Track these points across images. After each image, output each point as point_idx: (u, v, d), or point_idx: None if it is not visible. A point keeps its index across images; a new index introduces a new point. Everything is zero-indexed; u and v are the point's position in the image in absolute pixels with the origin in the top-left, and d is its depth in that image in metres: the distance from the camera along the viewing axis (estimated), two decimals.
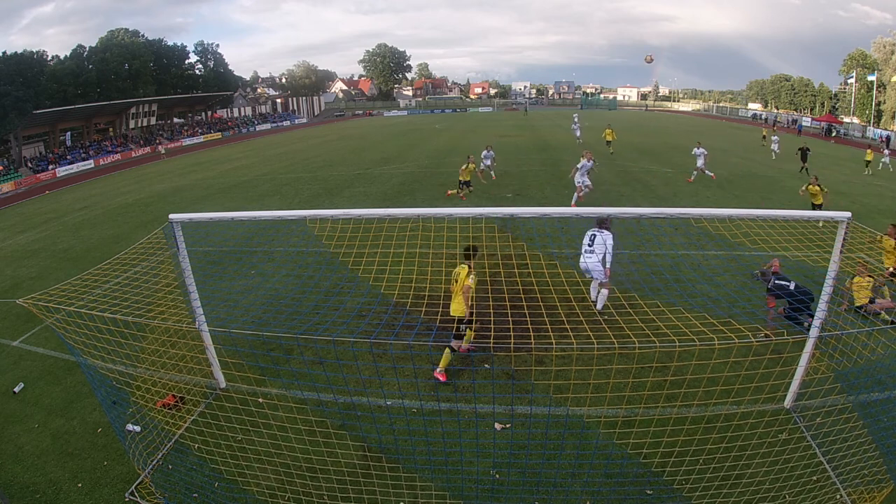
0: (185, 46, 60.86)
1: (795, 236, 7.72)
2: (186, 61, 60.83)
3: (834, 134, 43.57)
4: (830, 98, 66.83)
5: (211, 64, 63.92)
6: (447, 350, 6.61)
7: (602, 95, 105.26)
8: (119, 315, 5.61)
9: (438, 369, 6.61)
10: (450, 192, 17.43)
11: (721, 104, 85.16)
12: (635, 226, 11.91)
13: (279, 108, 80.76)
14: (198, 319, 6.23)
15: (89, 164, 40.52)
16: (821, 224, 11.98)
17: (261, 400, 6.34)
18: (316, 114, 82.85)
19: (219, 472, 5.17)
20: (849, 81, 56.24)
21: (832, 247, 5.26)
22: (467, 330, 6.70)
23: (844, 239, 5.07)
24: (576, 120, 44.94)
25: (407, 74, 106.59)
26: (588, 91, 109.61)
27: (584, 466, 5.15)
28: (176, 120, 58.98)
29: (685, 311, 6.79)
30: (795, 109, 71.78)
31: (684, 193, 17.56)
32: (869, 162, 23.92)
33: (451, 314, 6.57)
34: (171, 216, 5.87)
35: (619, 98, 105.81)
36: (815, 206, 13.56)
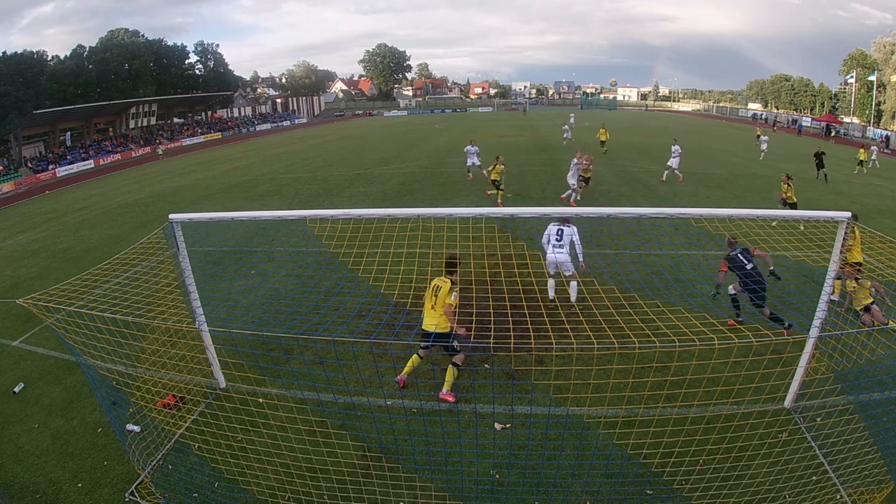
0: (185, 46, 61.07)
1: (795, 236, 7.73)
2: (186, 61, 60.90)
3: (833, 134, 43.58)
4: (830, 98, 66.87)
5: (211, 64, 63.96)
6: (451, 369, 6.17)
7: (602, 95, 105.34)
8: (119, 315, 5.61)
9: (445, 390, 6.18)
10: (488, 192, 17.08)
11: (721, 104, 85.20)
12: (635, 226, 11.92)
13: (279, 108, 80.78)
14: (198, 319, 6.23)
15: (89, 164, 40.52)
16: (801, 227, 12.04)
17: (261, 400, 6.34)
18: (316, 114, 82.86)
19: (219, 472, 5.17)
20: (849, 81, 56.24)
21: (832, 247, 5.26)
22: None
23: (844, 239, 5.07)
24: (571, 121, 45.34)
25: (407, 74, 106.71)
26: (588, 91, 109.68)
27: (584, 466, 5.15)
28: (176, 120, 58.99)
29: (685, 311, 6.79)
30: (795, 109, 71.80)
31: (684, 193, 17.56)
32: (862, 161, 23.92)
33: (426, 328, 6.08)
34: (171, 216, 5.87)
35: (620, 98, 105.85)
36: (787, 205, 13.23)
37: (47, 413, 6.56)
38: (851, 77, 54.78)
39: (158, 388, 6.48)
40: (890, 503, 4.47)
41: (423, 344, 6.31)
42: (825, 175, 19.43)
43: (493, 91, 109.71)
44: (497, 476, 5.06)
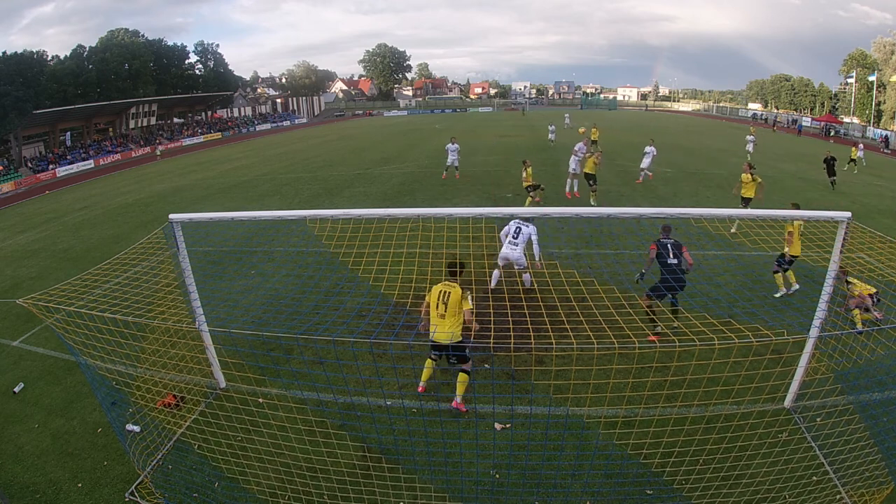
0: (185, 46, 61.02)
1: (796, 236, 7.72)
2: (186, 61, 60.88)
3: (833, 134, 43.59)
4: (830, 98, 66.85)
5: (211, 64, 63.95)
6: (462, 376, 6.00)
7: (602, 95, 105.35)
8: (119, 315, 5.61)
9: (458, 399, 6.03)
10: (529, 199, 16.63)
11: (721, 104, 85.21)
12: (635, 226, 11.91)
13: (279, 108, 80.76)
14: (198, 319, 6.23)
15: (89, 164, 40.51)
16: (732, 230, 12.00)
17: (261, 400, 6.34)
18: (316, 114, 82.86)
19: (219, 472, 5.17)
20: (849, 81, 56.23)
21: (832, 247, 5.26)
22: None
23: (844, 239, 5.06)
24: (567, 120, 45.62)
25: (407, 74, 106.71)
26: (588, 91, 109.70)
27: (584, 467, 5.15)
28: (176, 120, 58.98)
29: (685, 311, 6.79)
30: (795, 109, 71.79)
31: (684, 193, 17.56)
32: (854, 159, 23.92)
33: (440, 340, 5.76)
34: (171, 216, 5.87)
35: (620, 98, 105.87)
36: (743, 201, 12.41)
37: (47, 413, 6.56)
38: (851, 77, 54.78)
39: (158, 387, 6.48)
40: (890, 503, 4.47)
41: (434, 353, 6.11)
42: (833, 182, 18.49)
43: (493, 91, 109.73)
44: (497, 476, 5.06)
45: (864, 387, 5.97)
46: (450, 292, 5.77)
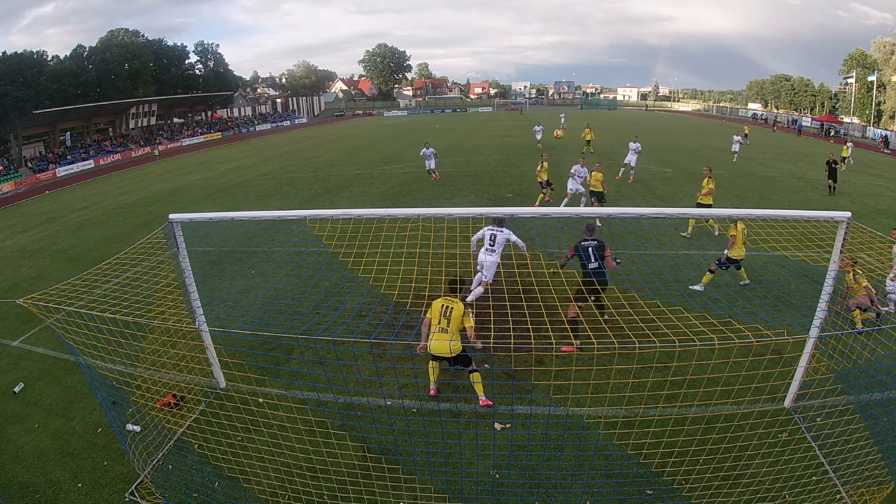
0: (185, 46, 60.97)
1: (795, 236, 7.72)
2: (186, 61, 60.82)
3: (833, 134, 43.58)
4: (830, 98, 66.79)
5: (211, 64, 63.92)
6: (475, 376, 6.06)
7: (602, 95, 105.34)
8: (119, 315, 5.61)
9: (482, 397, 6.09)
10: (541, 196, 16.00)
11: (721, 104, 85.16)
12: (635, 226, 11.91)
13: (279, 108, 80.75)
14: (198, 319, 6.23)
15: (89, 164, 40.49)
16: (716, 233, 11.92)
17: (261, 400, 6.34)
18: (316, 114, 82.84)
19: (219, 472, 5.17)
20: (849, 81, 56.20)
21: (832, 247, 5.26)
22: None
23: (844, 239, 5.06)
24: (562, 120, 45.56)
25: (407, 74, 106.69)
26: (588, 91, 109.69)
27: (585, 467, 5.15)
28: (176, 120, 58.97)
29: (685, 311, 6.79)
30: (795, 109, 71.75)
31: (684, 193, 17.55)
32: (844, 158, 23.90)
33: (440, 354, 5.84)
34: (171, 216, 5.87)
35: (620, 98, 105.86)
36: (699, 206, 11.77)
37: (47, 413, 6.56)
38: (851, 77, 54.75)
39: (158, 387, 6.48)
40: (890, 503, 4.47)
41: (433, 360, 6.13)
42: (831, 188, 17.52)
43: (493, 91, 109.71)
44: (497, 476, 5.06)
45: (864, 387, 5.97)
46: (453, 307, 5.85)
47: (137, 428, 5.76)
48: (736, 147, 25.89)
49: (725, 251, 8.82)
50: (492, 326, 6.13)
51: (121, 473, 5.35)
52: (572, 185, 14.70)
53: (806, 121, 52.68)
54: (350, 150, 34.13)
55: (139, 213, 18.87)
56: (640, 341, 5.91)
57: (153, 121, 53.51)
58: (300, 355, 7.29)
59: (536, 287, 8.74)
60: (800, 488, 4.59)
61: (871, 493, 4.48)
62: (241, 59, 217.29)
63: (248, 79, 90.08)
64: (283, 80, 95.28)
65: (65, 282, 5.99)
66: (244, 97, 77.82)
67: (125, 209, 20.12)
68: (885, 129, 42.78)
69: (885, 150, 34.78)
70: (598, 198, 13.75)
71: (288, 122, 72.89)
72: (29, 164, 37.77)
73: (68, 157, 40.83)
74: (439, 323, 5.84)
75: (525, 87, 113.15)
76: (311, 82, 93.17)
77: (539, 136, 30.31)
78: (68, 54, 48.12)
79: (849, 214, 4.93)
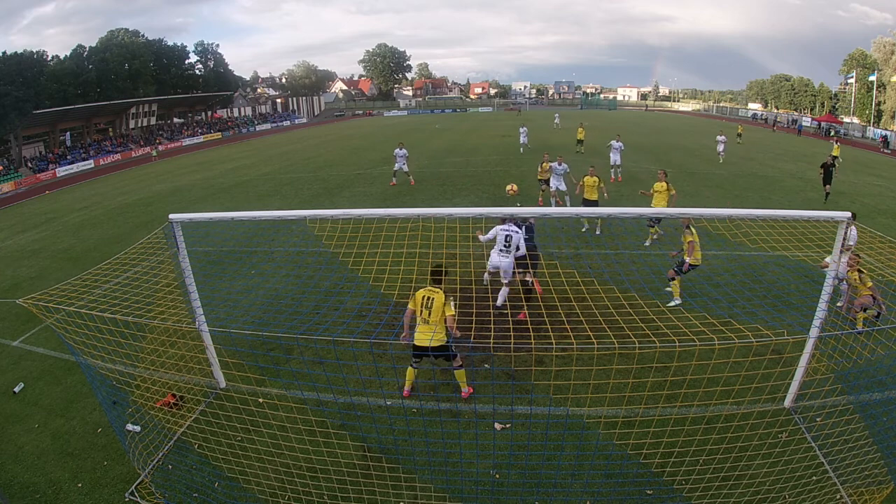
0: (185, 46, 61.00)
1: (795, 236, 7.72)
2: (186, 61, 60.83)
3: (833, 134, 43.59)
4: (830, 98, 66.79)
5: (211, 64, 63.93)
6: (460, 372, 6.12)
7: (602, 95, 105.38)
8: (119, 315, 5.61)
9: (464, 389, 6.22)
10: (541, 193, 15.90)
11: (721, 104, 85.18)
12: (635, 226, 11.91)
13: (279, 108, 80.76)
14: (198, 319, 6.23)
15: (89, 164, 40.50)
16: (647, 242, 11.48)
17: (261, 400, 6.34)
18: (316, 114, 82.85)
19: (219, 472, 5.17)
20: (849, 81, 56.19)
21: (832, 247, 5.26)
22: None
23: (844, 239, 5.07)
24: (556, 120, 45.74)
25: (407, 74, 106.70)
26: (588, 91, 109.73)
27: (585, 467, 5.15)
28: (176, 120, 58.98)
29: (685, 311, 6.80)
30: (795, 109, 71.75)
31: (684, 193, 17.54)
32: (836, 157, 23.85)
33: (421, 344, 5.80)
34: (171, 216, 5.87)
35: (620, 98, 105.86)
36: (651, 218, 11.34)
37: (47, 413, 6.56)
38: (851, 77, 54.73)
39: (158, 387, 6.48)
40: (890, 503, 4.47)
41: (415, 360, 6.14)
42: (827, 195, 16.34)
43: (493, 91, 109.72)
44: (497, 476, 5.06)
45: (864, 387, 5.97)
46: (433, 297, 5.78)
47: (137, 428, 5.76)
48: (721, 147, 24.64)
49: (686, 258, 8.47)
50: (492, 326, 6.13)
51: (121, 473, 5.35)
52: (554, 183, 14.65)
53: (806, 121, 52.69)
54: (350, 150, 34.13)
55: (139, 213, 18.87)
56: (640, 341, 5.91)
57: (153, 121, 53.51)
58: (300, 355, 7.29)
59: (537, 287, 8.74)
60: (800, 488, 4.59)
61: (870, 493, 4.48)
62: (241, 59, 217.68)
63: (248, 79, 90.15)
64: (283, 80, 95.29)
65: (65, 282, 5.99)
66: (244, 97, 77.83)
67: (125, 209, 20.12)
68: (885, 129, 42.77)
69: (885, 150, 34.78)
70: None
71: (288, 122, 72.90)
72: (29, 164, 37.77)
73: (68, 157, 40.83)
74: (421, 314, 5.81)
75: (525, 87, 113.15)
76: (311, 82, 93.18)
77: (524, 140, 28.72)
78: (68, 54, 48.17)
79: (849, 214, 4.93)
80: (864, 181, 20.98)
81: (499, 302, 8.24)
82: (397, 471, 5.06)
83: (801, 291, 8.53)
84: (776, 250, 8.47)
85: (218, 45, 64.40)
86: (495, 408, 6.08)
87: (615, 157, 19.64)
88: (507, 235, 8.10)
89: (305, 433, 5.47)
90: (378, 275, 7.23)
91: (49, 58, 44.90)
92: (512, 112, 76.57)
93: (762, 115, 63.95)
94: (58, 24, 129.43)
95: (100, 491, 5.14)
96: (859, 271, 7.42)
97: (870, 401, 5.76)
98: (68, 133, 45.23)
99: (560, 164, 14.51)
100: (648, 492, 4.79)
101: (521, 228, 8.34)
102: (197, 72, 62.61)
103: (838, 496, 4.60)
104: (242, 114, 70.91)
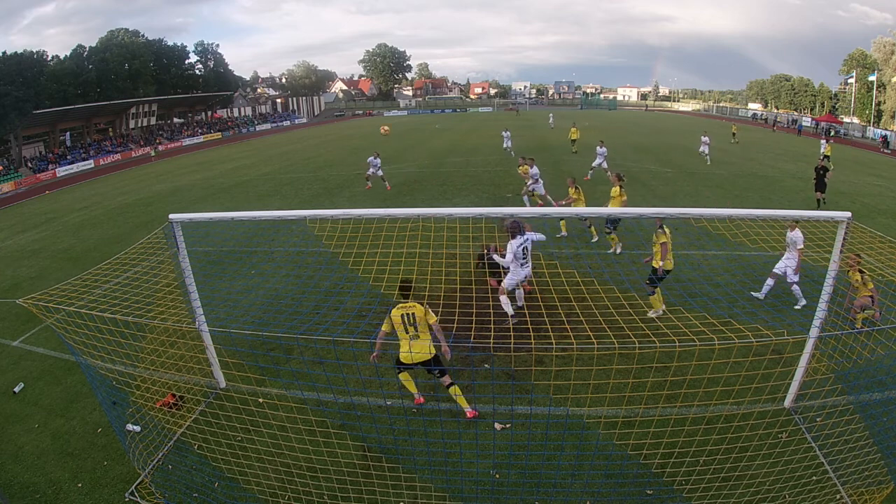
0: (185, 46, 61.03)
1: None
2: (186, 61, 60.86)
3: (833, 134, 43.61)
4: (830, 98, 66.80)
5: (211, 64, 63.94)
6: (454, 389, 5.83)
7: (602, 95, 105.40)
8: (119, 315, 5.61)
9: (468, 408, 5.91)
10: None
11: (721, 104, 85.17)
12: (635, 226, 11.90)
13: (279, 108, 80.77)
14: (198, 319, 6.23)
15: (89, 164, 40.50)
16: (618, 251, 11.06)
17: (261, 400, 6.34)
18: (316, 114, 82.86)
19: (219, 472, 5.17)
20: (849, 81, 56.19)
21: (832, 247, 5.26)
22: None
23: (844, 239, 5.06)
24: (550, 121, 45.85)
25: (407, 74, 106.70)
26: (588, 91, 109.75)
27: (585, 467, 5.15)
28: (176, 120, 58.98)
29: (685, 311, 6.79)
30: (795, 109, 71.75)
31: (684, 193, 17.56)
32: (828, 156, 23.85)
33: (419, 360, 5.64)
34: (171, 216, 5.87)
35: (620, 98, 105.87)
36: (608, 222, 11.00)
37: (47, 413, 6.56)
38: (851, 77, 54.73)
39: (158, 387, 6.48)
40: (890, 503, 4.47)
41: (404, 368, 5.95)
42: (819, 201, 15.23)
43: (493, 91, 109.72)
44: (497, 476, 5.06)
45: (864, 387, 5.97)
46: (413, 312, 5.62)
47: (137, 428, 5.76)
48: (705, 149, 24.04)
49: (659, 263, 7.84)
50: (492, 326, 6.13)
51: (121, 473, 5.35)
52: (534, 186, 14.31)
53: (806, 121, 52.69)
54: (350, 150, 34.12)
55: (139, 213, 18.87)
56: (640, 341, 5.91)
57: (153, 121, 53.51)
58: (300, 355, 7.29)
59: (536, 287, 8.75)
60: (800, 488, 4.59)
61: (870, 493, 4.48)
62: (241, 59, 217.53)
63: (248, 79, 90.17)
64: (283, 80, 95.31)
65: (65, 282, 5.99)
66: (244, 97, 77.83)
67: (125, 209, 20.12)
68: (885, 129, 42.77)
69: (885, 150, 34.76)
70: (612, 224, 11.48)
71: (288, 122, 72.90)
72: (29, 164, 37.77)
73: (68, 157, 40.83)
74: (407, 332, 5.60)
75: (525, 87, 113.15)
76: (311, 82, 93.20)
77: (507, 144, 27.73)
78: (68, 54, 48.19)
79: (849, 214, 4.92)
80: (863, 181, 20.97)
81: (520, 303, 8.22)
82: (397, 471, 5.06)
83: (801, 291, 8.54)
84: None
85: (218, 45, 64.52)
86: (495, 408, 6.08)
87: (599, 162, 20.08)
88: (523, 248, 7.80)
89: (305, 433, 5.47)
90: (378, 275, 7.22)
91: (49, 58, 44.92)
92: (511, 112, 76.54)
93: (762, 115, 63.95)
94: (58, 24, 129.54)
95: (100, 491, 5.14)
96: (861, 272, 7.41)
97: (870, 401, 5.76)
98: (68, 133, 45.23)
99: (532, 167, 14.43)
100: (648, 492, 4.79)
101: (523, 231, 8.02)
102: (197, 72, 62.62)
103: (838, 496, 4.60)
104: (242, 114, 70.91)
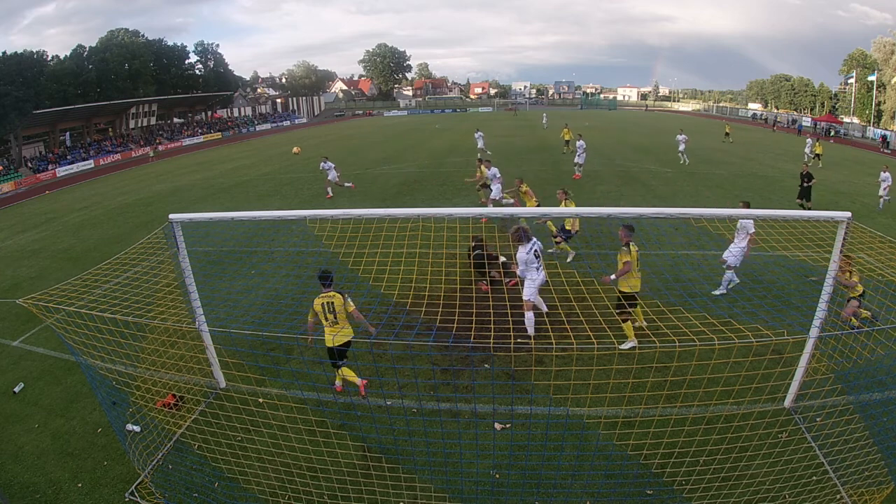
0: (186, 46, 61.01)
1: (795, 236, 7.72)
2: (186, 61, 60.84)
3: (833, 134, 43.61)
4: (830, 98, 66.80)
5: (211, 64, 63.93)
6: (346, 370, 6.24)
7: (602, 95, 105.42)
8: (119, 315, 5.61)
9: (359, 381, 6.25)
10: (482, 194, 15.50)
11: (721, 104, 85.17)
12: (635, 226, 11.90)
13: (279, 108, 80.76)
14: (198, 319, 6.22)
15: (89, 164, 40.50)
16: (568, 259, 10.56)
17: (261, 400, 6.34)
18: (316, 114, 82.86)
19: (219, 472, 5.17)
20: (849, 81, 56.19)
21: (832, 247, 5.26)
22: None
23: (844, 239, 5.06)
24: (544, 121, 45.98)
25: (407, 74, 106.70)
26: (588, 91, 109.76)
27: (585, 467, 5.15)
28: (176, 120, 58.97)
29: (685, 311, 6.79)
30: (795, 109, 71.76)
31: (684, 193, 17.57)
32: (819, 155, 23.88)
33: (340, 343, 6.02)
34: (171, 216, 5.87)
35: (620, 98, 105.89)
36: (555, 234, 10.73)
37: (47, 413, 6.56)
38: (851, 77, 54.73)
39: (158, 387, 6.48)
40: (890, 503, 4.47)
41: (332, 362, 6.25)
42: (802, 205, 14.46)
43: (493, 91, 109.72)
44: (497, 476, 5.06)
45: (864, 387, 5.97)
46: (333, 301, 6.01)
47: (137, 428, 5.76)
48: (682, 147, 23.59)
49: (624, 287, 6.95)
50: (492, 326, 6.13)
51: (121, 473, 5.35)
52: (497, 192, 13.94)
53: (806, 121, 52.69)
54: (350, 150, 34.12)
55: (139, 213, 18.87)
56: (640, 341, 5.92)
57: (153, 121, 53.51)
58: (300, 355, 7.29)
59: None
60: (800, 488, 4.59)
61: (870, 493, 4.48)
62: (241, 59, 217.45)
63: (248, 79, 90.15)
64: (283, 80, 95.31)
65: (65, 282, 5.99)
66: (244, 97, 77.82)
67: (125, 209, 20.12)
68: (885, 129, 42.77)
69: (885, 150, 34.76)
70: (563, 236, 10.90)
71: (288, 122, 72.90)
72: (29, 164, 37.77)
73: (68, 157, 40.82)
74: (326, 320, 6.04)
75: (525, 87, 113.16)
76: (311, 82, 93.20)
77: (480, 144, 26.92)
78: (68, 54, 48.17)
79: (849, 214, 4.92)
80: (864, 181, 20.95)
81: (543, 308, 7.93)
82: (397, 471, 5.06)
83: (801, 291, 8.54)
84: (776, 250, 8.48)
85: (218, 45, 64.49)
86: (495, 408, 6.08)
87: (581, 157, 20.42)
88: (535, 252, 7.65)
89: (305, 433, 5.48)
90: (378, 275, 7.22)
91: (49, 58, 44.90)
92: (510, 112, 76.52)
93: (762, 115, 63.95)
94: (58, 24, 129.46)
95: (100, 491, 5.14)
96: (849, 272, 7.39)
97: (870, 401, 5.76)
98: (68, 133, 45.23)
99: (490, 169, 14.24)
100: (648, 492, 4.79)
101: (530, 237, 7.80)
102: (197, 72, 62.61)
103: (838, 496, 4.60)
104: (242, 114, 70.90)
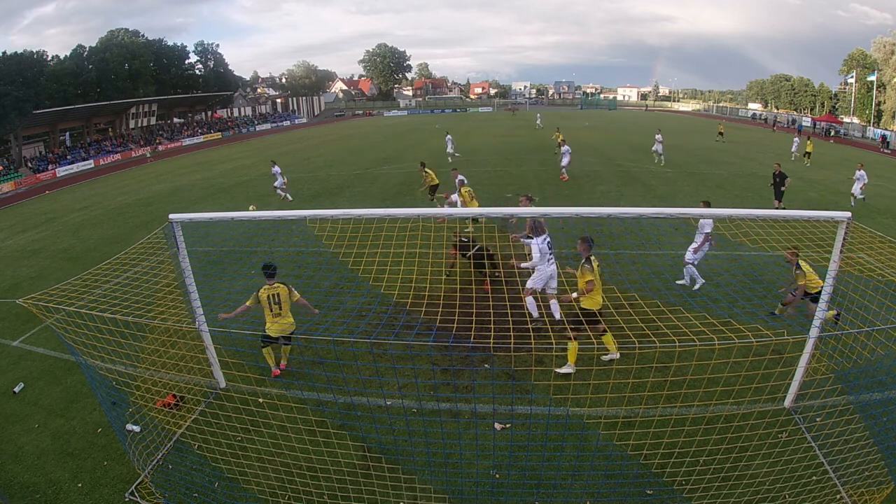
0: (185, 46, 61.03)
1: (795, 236, 7.72)
2: (186, 61, 60.85)
3: (833, 134, 43.62)
4: (830, 98, 66.80)
5: (211, 64, 63.94)
6: (286, 349, 6.93)
7: (602, 95, 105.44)
8: (119, 315, 5.61)
9: (284, 362, 6.99)
10: (440, 198, 15.60)
11: (721, 104, 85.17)
12: (635, 226, 11.90)
13: (279, 108, 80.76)
14: (198, 319, 6.22)
15: (89, 164, 40.51)
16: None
17: (261, 400, 6.34)
18: (316, 114, 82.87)
19: (219, 472, 5.17)
20: (849, 81, 56.19)
21: (832, 247, 5.26)
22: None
23: (844, 239, 5.06)
24: (538, 121, 46.21)
25: (407, 74, 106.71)
26: (588, 91, 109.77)
27: (585, 467, 5.15)
28: (176, 120, 58.97)
29: (685, 311, 6.79)
30: (795, 109, 71.75)
31: (684, 193, 17.56)
32: (809, 153, 23.89)
33: (282, 332, 6.63)
34: (171, 216, 5.87)
35: (620, 98, 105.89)
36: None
37: (47, 413, 6.55)
38: (851, 77, 54.73)
39: (158, 387, 6.48)
40: (890, 503, 4.47)
41: (268, 341, 6.78)
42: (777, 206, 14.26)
43: (493, 91, 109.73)
44: (497, 476, 5.06)
45: (864, 387, 5.97)
46: (278, 293, 6.54)
47: (137, 428, 5.76)
48: (658, 147, 23.20)
49: (598, 303, 6.51)
50: (492, 326, 6.12)
51: (121, 473, 5.35)
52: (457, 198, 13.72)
53: (806, 121, 52.68)
54: (350, 150, 34.13)
55: (139, 213, 18.87)
56: (640, 341, 5.91)
57: (153, 121, 53.51)
58: (300, 355, 7.29)
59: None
60: (800, 488, 4.59)
61: (871, 493, 4.48)
62: (241, 59, 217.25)
63: (248, 79, 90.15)
64: (283, 80, 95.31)
65: (65, 282, 5.98)
66: (244, 97, 77.82)
67: (125, 209, 20.12)
68: (885, 129, 42.77)
69: (885, 150, 34.77)
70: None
71: (288, 122, 72.91)
72: (29, 164, 37.77)
73: (68, 157, 40.83)
74: (271, 310, 6.52)
75: (525, 87, 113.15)
76: (311, 82, 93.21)
77: (450, 148, 25.91)
78: (68, 54, 48.17)
79: (849, 214, 4.92)
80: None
81: (557, 316, 7.82)
82: (397, 471, 5.06)
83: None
84: (776, 250, 8.48)
85: (218, 45, 64.52)
86: (495, 408, 6.08)
87: (564, 160, 20.43)
88: (549, 242, 7.61)
89: (305, 433, 5.48)
90: (378, 275, 7.22)
91: (49, 58, 44.89)
92: (508, 112, 76.49)
93: (762, 115, 63.95)
94: (58, 24, 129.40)
95: (100, 491, 5.14)
96: (798, 265, 7.31)
97: (870, 401, 5.76)
98: (68, 133, 45.22)
99: (457, 178, 14.16)
100: (648, 492, 4.79)
101: (544, 228, 7.76)
102: (197, 72, 62.61)
103: (838, 496, 4.60)
104: (242, 114, 70.91)
